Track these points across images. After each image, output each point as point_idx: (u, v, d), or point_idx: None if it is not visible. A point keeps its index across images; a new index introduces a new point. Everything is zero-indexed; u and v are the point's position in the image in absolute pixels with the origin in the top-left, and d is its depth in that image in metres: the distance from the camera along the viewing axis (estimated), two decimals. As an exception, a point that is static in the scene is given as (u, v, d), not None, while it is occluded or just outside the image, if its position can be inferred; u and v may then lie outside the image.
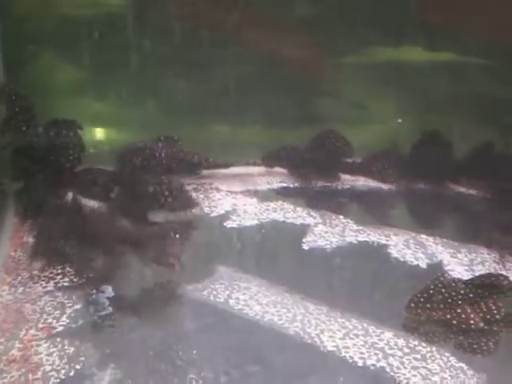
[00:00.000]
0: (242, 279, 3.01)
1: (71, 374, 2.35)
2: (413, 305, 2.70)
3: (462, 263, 3.23)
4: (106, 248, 3.08)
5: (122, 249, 3.11)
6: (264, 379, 2.39)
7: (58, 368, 2.37)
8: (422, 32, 4.42)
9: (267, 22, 4.35)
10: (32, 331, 2.58)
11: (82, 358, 2.42)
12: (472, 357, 2.55)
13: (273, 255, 3.33)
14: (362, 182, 4.28)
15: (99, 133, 4.39)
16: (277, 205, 3.82)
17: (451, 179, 4.21)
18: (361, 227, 3.58)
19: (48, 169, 3.51)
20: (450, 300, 2.69)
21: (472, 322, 2.65)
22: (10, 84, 3.77)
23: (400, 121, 4.55)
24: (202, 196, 3.87)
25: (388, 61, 4.47)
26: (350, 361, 2.48)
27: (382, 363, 2.47)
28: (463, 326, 2.66)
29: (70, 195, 3.44)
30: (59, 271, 3.00)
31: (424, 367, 2.46)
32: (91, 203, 3.53)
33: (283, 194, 4.05)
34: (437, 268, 3.17)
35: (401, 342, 2.60)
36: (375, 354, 2.52)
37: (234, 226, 3.55)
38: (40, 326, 2.62)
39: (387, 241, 3.43)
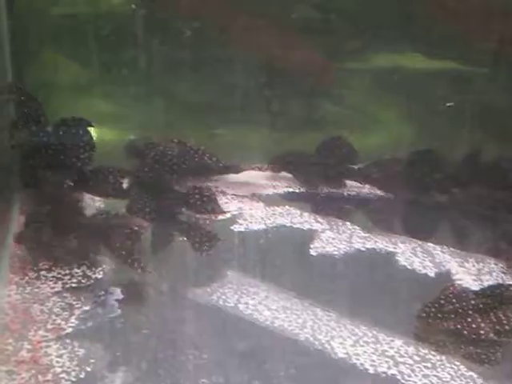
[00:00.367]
0: (251, 284, 3.01)
1: (82, 376, 2.33)
2: (424, 315, 2.70)
3: (470, 272, 3.23)
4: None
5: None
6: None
7: (69, 370, 2.36)
8: (424, 39, 4.42)
9: (273, 26, 4.35)
10: (41, 332, 2.57)
11: (93, 360, 2.41)
12: (482, 366, 2.55)
13: (281, 260, 3.31)
14: (367, 189, 4.28)
15: (103, 132, 4.37)
16: (283, 209, 3.82)
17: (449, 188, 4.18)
18: (368, 234, 3.57)
19: (58, 168, 3.49)
20: (460, 310, 2.69)
21: (482, 332, 2.65)
22: (19, 84, 3.75)
23: (450, 104, 4.49)
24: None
25: (390, 67, 4.48)
26: (361, 368, 2.48)
27: (393, 371, 2.47)
28: (474, 336, 2.66)
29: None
30: (67, 272, 2.99)
31: (435, 375, 2.46)
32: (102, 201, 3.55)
33: (289, 198, 4.04)
34: (445, 277, 3.17)
35: (411, 350, 2.60)
36: (386, 361, 2.52)
37: (242, 229, 3.55)
38: (49, 326, 2.61)
39: (394, 248, 3.43)
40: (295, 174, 4.25)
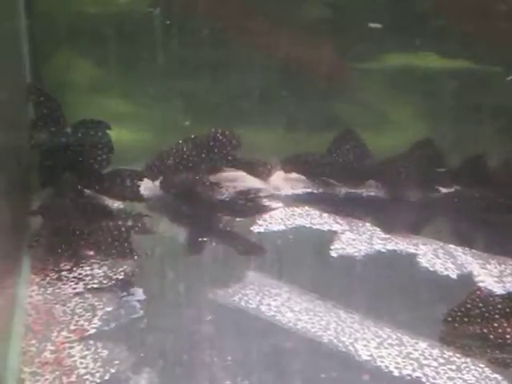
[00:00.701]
0: (273, 285, 2.99)
1: (106, 377, 2.33)
2: (450, 319, 2.69)
3: (492, 274, 3.20)
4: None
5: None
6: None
7: (93, 371, 2.35)
8: (438, 38, 4.39)
9: (289, 26, 4.33)
10: (64, 333, 2.57)
11: (117, 362, 2.41)
12: (507, 370, 2.52)
13: (302, 261, 3.30)
14: (383, 189, 4.23)
15: (121, 132, 4.36)
16: (302, 210, 3.80)
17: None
18: (388, 235, 3.55)
19: (76, 170, 3.49)
20: (487, 314, 2.67)
21: (508, 336, 2.63)
22: (38, 85, 3.75)
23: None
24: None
25: (404, 66, 4.46)
26: (386, 370, 2.46)
27: (418, 373, 2.45)
28: (500, 340, 2.63)
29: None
30: (88, 272, 2.99)
31: (460, 378, 2.44)
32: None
33: (307, 199, 4.01)
34: (467, 279, 3.15)
35: (435, 352, 2.58)
36: (410, 363, 2.50)
37: (261, 230, 3.53)
38: (72, 327, 2.60)
39: (416, 250, 3.40)
40: (308, 175, 4.21)
